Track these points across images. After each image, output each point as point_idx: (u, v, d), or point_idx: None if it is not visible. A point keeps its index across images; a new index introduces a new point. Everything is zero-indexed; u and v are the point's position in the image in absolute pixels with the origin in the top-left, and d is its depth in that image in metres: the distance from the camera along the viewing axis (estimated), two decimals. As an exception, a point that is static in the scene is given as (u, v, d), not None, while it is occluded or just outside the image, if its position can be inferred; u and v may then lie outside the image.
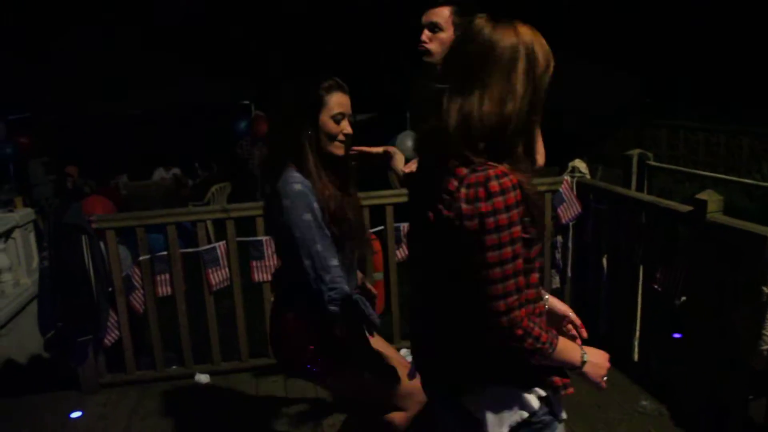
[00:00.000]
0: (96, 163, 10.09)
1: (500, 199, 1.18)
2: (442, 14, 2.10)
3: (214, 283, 3.28)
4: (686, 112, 9.87)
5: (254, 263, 3.31)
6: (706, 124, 9.13)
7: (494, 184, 1.18)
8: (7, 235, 5.00)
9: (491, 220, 1.17)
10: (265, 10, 11.69)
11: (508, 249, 1.20)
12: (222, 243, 3.29)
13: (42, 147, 9.81)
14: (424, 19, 2.12)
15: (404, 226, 3.43)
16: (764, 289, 2.04)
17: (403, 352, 3.50)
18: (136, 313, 3.29)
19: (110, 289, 3.19)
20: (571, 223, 3.54)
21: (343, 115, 1.86)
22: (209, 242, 3.34)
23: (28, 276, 5.08)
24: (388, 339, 3.51)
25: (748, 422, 2.46)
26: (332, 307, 1.78)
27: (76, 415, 3.07)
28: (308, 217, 1.77)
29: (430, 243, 1.34)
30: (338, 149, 1.89)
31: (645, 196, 3.16)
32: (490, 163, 1.21)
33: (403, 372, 1.90)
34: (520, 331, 1.23)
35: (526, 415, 1.33)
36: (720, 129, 8.74)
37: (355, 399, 2.12)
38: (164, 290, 3.28)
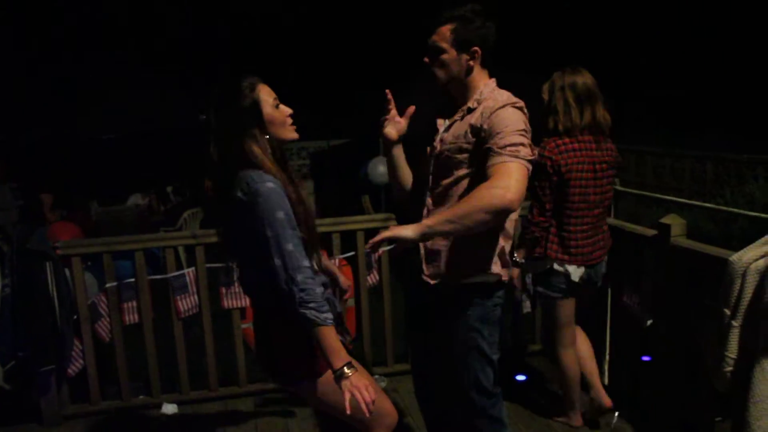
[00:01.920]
0: (66, 188, 9.93)
1: None
2: (443, 35, 2.00)
3: (182, 310, 3.23)
4: (652, 138, 10.14)
5: (223, 290, 3.28)
6: (671, 150, 9.37)
7: None
8: (-31, 262, 4.87)
9: None
10: (243, 35, 11.76)
11: None
12: (191, 270, 3.25)
13: (10, 171, 9.63)
14: (429, 41, 2.04)
15: (375, 253, 3.43)
16: (726, 311, 2.08)
17: (375, 378, 3.49)
18: (102, 341, 3.22)
19: (75, 317, 3.12)
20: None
21: (277, 100, 1.86)
22: (180, 268, 3.30)
23: (-10, 304, 4.94)
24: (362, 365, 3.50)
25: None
26: (303, 310, 1.70)
27: (36, 449, 2.98)
28: (281, 215, 1.72)
29: None
30: (292, 132, 1.89)
31: (611, 220, 3.20)
32: None
33: (379, 391, 1.89)
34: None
35: None
36: (685, 155, 8.97)
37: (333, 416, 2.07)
38: (131, 318, 3.22)
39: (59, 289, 3.04)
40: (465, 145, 1.99)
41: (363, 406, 1.67)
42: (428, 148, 2.15)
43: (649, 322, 2.82)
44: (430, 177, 2.12)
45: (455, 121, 2.07)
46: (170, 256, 3.26)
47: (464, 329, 2.09)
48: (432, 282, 2.11)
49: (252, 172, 1.76)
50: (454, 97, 2.09)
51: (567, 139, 2.57)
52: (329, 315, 1.73)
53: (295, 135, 1.91)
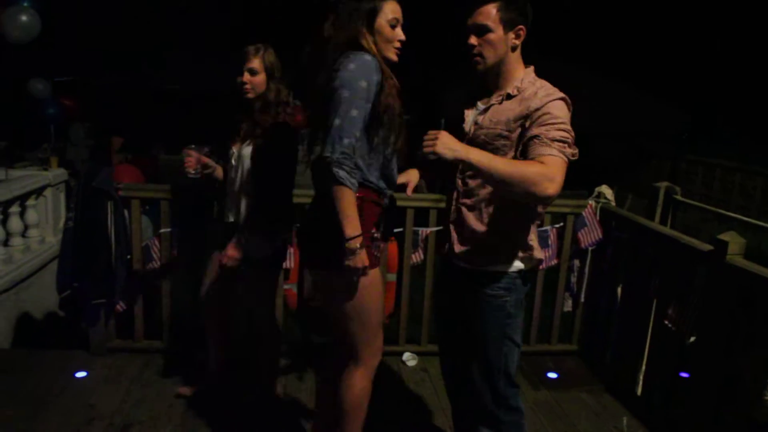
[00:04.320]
0: (137, 132, 10.26)
1: None
2: (489, 13, 1.93)
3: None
4: (725, 151, 9.70)
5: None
6: (744, 165, 8.96)
7: None
8: (39, 192, 5.14)
9: None
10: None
11: None
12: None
13: (86, 111, 10.02)
14: (470, 21, 1.97)
15: (423, 231, 3.44)
16: (775, 338, 2.01)
17: (406, 356, 3.53)
18: (151, 284, 3.35)
19: (129, 256, 3.26)
20: (590, 248, 3.51)
21: (397, 21, 1.93)
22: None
23: (54, 235, 5.22)
24: (394, 341, 3.54)
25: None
26: (334, 168, 1.80)
27: (81, 374, 3.15)
28: (363, 84, 1.82)
29: None
30: (393, 54, 1.96)
31: (666, 230, 3.12)
32: None
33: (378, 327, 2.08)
34: None
35: None
36: (758, 172, 8.56)
37: (335, 325, 2.15)
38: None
39: (117, 229, 3.18)
40: (505, 132, 1.96)
41: (359, 267, 1.84)
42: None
43: (692, 339, 2.75)
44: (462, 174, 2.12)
45: (491, 105, 2.03)
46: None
47: (502, 315, 2.08)
48: (464, 265, 2.10)
49: (351, 52, 1.86)
50: (489, 81, 2.06)
51: None
52: (354, 182, 1.83)
53: (394, 57, 1.96)
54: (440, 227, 3.41)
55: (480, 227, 2.04)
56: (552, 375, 3.47)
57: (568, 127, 1.89)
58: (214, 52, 10.60)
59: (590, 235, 3.46)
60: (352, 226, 1.83)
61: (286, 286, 3.52)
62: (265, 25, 11.75)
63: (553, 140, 1.84)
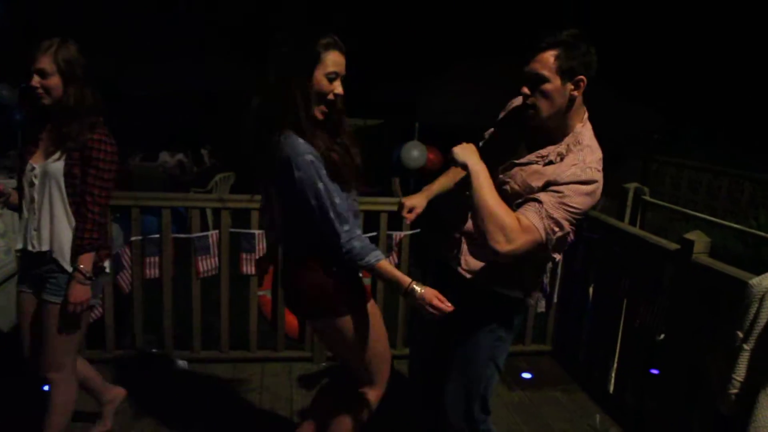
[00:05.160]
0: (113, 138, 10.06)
1: None
2: (546, 62, 1.77)
3: (202, 270, 3.30)
4: (693, 152, 9.90)
5: (244, 255, 3.34)
6: (711, 166, 9.16)
7: None
8: (5, 201, 5.01)
9: None
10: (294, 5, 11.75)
11: None
12: (215, 232, 3.32)
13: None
14: (525, 68, 1.82)
15: (396, 235, 3.46)
16: (738, 333, 2.06)
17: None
18: (122, 292, 3.31)
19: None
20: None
21: (336, 75, 1.82)
22: (206, 230, 3.37)
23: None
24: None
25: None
26: (359, 262, 1.84)
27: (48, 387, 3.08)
28: (321, 185, 1.80)
29: None
30: (319, 113, 1.85)
31: (634, 230, 3.18)
32: None
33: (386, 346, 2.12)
34: None
35: None
36: (724, 172, 8.76)
37: (342, 360, 2.22)
38: (152, 273, 3.31)
39: (86, 237, 3.12)
40: (537, 189, 1.85)
41: (443, 307, 1.80)
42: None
43: (661, 336, 2.80)
44: None
45: (532, 162, 1.90)
46: (195, 217, 3.33)
47: (492, 338, 2.06)
48: (468, 277, 2.05)
49: (292, 138, 1.79)
50: (544, 132, 1.91)
51: None
52: (377, 252, 1.86)
53: (319, 116, 1.85)
54: (416, 230, 3.45)
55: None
56: (526, 375, 3.51)
57: (578, 216, 1.80)
58: (180, 54, 10.51)
59: (561, 236, 3.50)
60: (401, 281, 1.86)
61: (260, 293, 3.50)
62: (238, 26, 11.69)
63: (550, 217, 1.76)
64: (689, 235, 2.59)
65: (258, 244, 3.31)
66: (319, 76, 1.80)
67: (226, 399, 3.11)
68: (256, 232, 3.30)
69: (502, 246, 1.73)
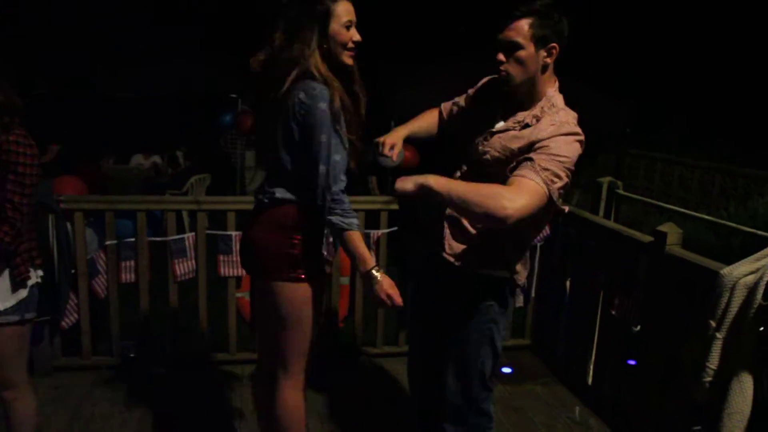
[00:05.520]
0: (82, 141, 9.92)
1: None
2: (521, 29, 1.84)
3: (179, 273, 3.27)
4: (665, 145, 10.06)
5: (222, 257, 3.31)
6: (682, 159, 9.32)
7: None
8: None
9: None
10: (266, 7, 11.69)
11: None
12: (191, 234, 3.29)
13: (26, 122, 9.65)
14: (499, 36, 1.88)
15: (374, 233, 3.46)
16: (711, 322, 2.10)
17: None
18: (98, 297, 3.27)
19: (73, 271, 3.16)
20: (539, 244, 3.60)
21: (351, 22, 1.88)
22: (182, 232, 3.34)
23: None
24: (351, 344, 3.55)
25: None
26: (330, 216, 1.84)
27: (26, 395, 3.03)
28: (324, 138, 1.81)
29: None
30: (349, 59, 1.92)
31: (609, 223, 3.22)
32: None
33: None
34: None
35: None
36: (695, 165, 8.93)
37: (264, 336, 2.18)
38: (128, 277, 3.27)
39: (59, 243, 3.07)
40: (512, 159, 1.89)
41: (395, 298, 1.85)
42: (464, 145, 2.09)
43: (637, 328, 2.85)
44: (461, 172, 2.10)
45: (509, 129, 1.95)
46: (171, 219, 3.29)
47: (484, 319, 2.06)
48: (455, 263, 2.04)
49: (308, 85, 1.82)
50: (516, 99, 1.97)
51: None
52: (354, 221, 1.87)
53: (349, 61, 1.92)
54: (393, 228, 3.46)
55: (474, 228, 2.00)
56: (506, 370, 3.54)
57: (570, 165, 1.82)
58: (156, 57, 10.38)
59: (538, 231, 3.53)
60: (365, 259, 1.87)
61: (238, 295, 3.48)
62: (211, 29, 11.58)
63: (545, 169, 1.76)
64: (662, 228, 2.63)
65: (235, 246, 3.29)
66: (337, 27, 1.86)
67: (206, 403, 3.08)
68: (233, 233, 3.27)
69: (507, 209, 1.67)
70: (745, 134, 9.28)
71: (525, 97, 1.95)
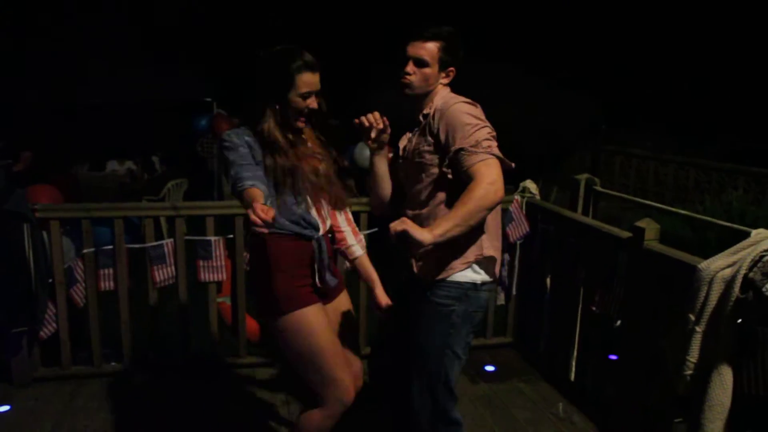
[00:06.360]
0: (53, 150, 9.76)
1: None
2: (431, 51, 2.08)
3: (158, 280, 3.24)
4: (640, 141, 10.21)
5: (201, 262, 3.28)
6: (657, 154, 9.46)
7: None
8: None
9: None
10: (237, 12, 11.63)
11: None
12: (170, 240, 3.26)
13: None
14: (411, 51, 2.09)
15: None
16: (690, 316, 2.13)
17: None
18: (76, 306, 3.22)
19: (50, 280, 3.11)
20: (518, 242, 3.62)
21: (310, 93, 2.00)
22: (161, 238, 3.30)
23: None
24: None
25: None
26: (234, 187, 1.86)
27: (3, 409, 2.97)
28: (232, 157, 1.93)
29: None
30: (300, 123, 2.04)
31: (588, 220, 3.26)
32: None
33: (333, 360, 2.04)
34: None
35: None
36: (670, 160, 9.06)
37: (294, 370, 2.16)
38: (107, 285, 3.22)
39: (36, 252, 3.03)
40: (426, 147, 2.06)
41: (261, 214, 1.62)
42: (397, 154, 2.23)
43: (618, 323, 2.88)
44: (404, 181, 2.21)
45: (416, 127, 2.15)
46: (149, 226, 3.25)
47: (446, 325, 2.07)
48: (421, 276, 2.11)
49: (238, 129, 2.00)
50: (417, 104, 2.16)
51: None
52: (251, 183, 1.84)
53: (300, 125, 2.05)
54: (374, 229, 3.45)
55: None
56: (489, 368, 3.56)
57: (484, 123, 1.98)
58: (131, 63, 10.27)
59: (518, 229, 3.56)
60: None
61: (219, 299, 3.45)
62: (185, 34, 11.49)
63: (476, 144, 1.92)
64: (640, 223, 2.67)
65: (215, 251, 3.26)
66: (294, 97, 1.98)
67: (189, 410, 3.05)
68: (212, 238, 3.25)
69: (498, 192, 1.87)
70: (718, 125, 9.46)
71: (422, 104, 2.15)
